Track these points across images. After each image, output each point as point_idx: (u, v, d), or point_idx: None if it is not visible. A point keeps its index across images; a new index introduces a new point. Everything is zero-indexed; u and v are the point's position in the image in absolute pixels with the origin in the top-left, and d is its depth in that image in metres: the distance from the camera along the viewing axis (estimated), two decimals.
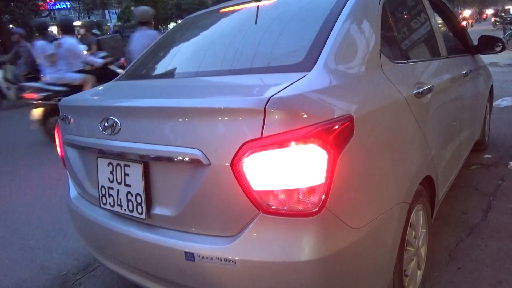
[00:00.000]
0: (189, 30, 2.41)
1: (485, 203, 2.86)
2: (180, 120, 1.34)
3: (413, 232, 1.78)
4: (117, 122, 1.48)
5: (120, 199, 1.56)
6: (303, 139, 1.19)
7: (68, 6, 39.49)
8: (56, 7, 39.38)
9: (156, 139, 1.40)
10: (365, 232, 1.35)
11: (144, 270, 1.56)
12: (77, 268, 2.53)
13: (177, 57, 2.14)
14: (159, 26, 24.95)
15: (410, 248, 1.76)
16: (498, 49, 3.05)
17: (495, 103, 5.29)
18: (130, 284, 2.28)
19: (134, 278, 1.66)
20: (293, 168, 1.20)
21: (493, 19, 28.97)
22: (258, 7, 2.06)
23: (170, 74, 2.00)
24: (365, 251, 1.38)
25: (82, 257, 2.64)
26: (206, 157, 1.27)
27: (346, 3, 1.70)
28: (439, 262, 2.20)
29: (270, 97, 1.20)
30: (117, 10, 40.47)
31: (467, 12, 39.20)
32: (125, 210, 1.55)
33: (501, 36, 13.48)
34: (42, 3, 25.19)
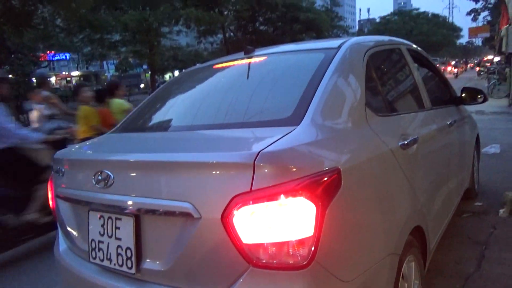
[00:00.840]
0: (184, 84, 2.51)
1: (478, 252, 2.85)
2: (172, 173, 1.37)
3: (406, 284, 1.77)
4: (110, 175, 1.51)
5: (110, 253, 1.55)
6: (292, 192, 1.22)
7: (68, 57, 40.58)
8: (56, 58, 40.47)
9: (148, 192, 1.42)
10: (356, 285, 1.35)
11: None
12: None
13: (171, 111, 2.22)
14: (156, 76, 25.63)
15: None
16: (480, 100, 3.18)
17: (483, 150, 5.40)
18: None
19: None
20: (282, 221, 1.22)
21: (477, 68, 30.24)
22: (249, 63, 2.17)
23: (164, 127, 2.05)
24: None
25: None
26: (197, 210, 1.29)
27: (332, 60, 1.81)
28: None
29: (260, 151, 1.25)
30: (115, 61, 41.63)
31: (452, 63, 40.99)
32: (114, 264, 1.53)
33: (486, 85, 14.02)
34: (42, 54, 25.95)
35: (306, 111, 1.53)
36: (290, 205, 1.22)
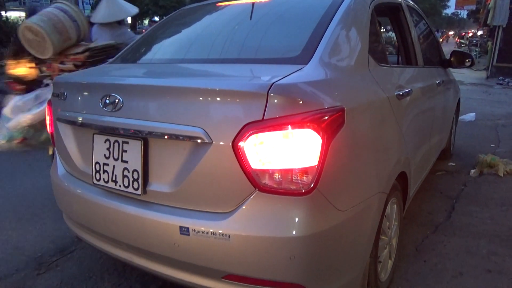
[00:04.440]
0: (186, 19, 2.47)
1: (449, 205, 3.07)
2: (185, 99, 1.41)
3: (387, 223, 1.92)
4: (119, 99, 1.53)
5: (116, 175, 1.60)
6: (301, 123, 1.29)
7: None
8: None
9: (158, 117, 1.46)
10: (349, 215, 1.47)
11: (135, 246, 1.60)
12: (54, 250, 2.51)
13: (176, 44, 2.20)
14: (136, 21, 24.52)
15: (384, 237, 1.90)
16: (468, 64, 3.29)
17: (460, 118, 5.64)
18: (108, 267, 2.30)
19: (123, 254, 1.70)
20: (290, 150, 1.30)
21: (457, 40, 30.51)
22: (256, 3, 2.16)
23: (171, 59, 2.04)
24: (348, 233, 1.50)
25: (58, 240, 2.62)
26: (208, 135, 1.34)
27: (340, 6, 1.83)
28: (407, 255, 2.36)
29: (273, 83, 1.29)
30: (91, 1, 39.39)
31: None
32: (119, 186, 1.59)
33: None
34: None
35: (315, 51, 1.58)
36: (298, 136, 1.29)
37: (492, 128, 5.78)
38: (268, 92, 1.28)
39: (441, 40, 35.18)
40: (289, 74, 1.39)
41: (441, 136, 3.30)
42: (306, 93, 1.37)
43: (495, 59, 11.89)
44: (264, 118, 1.29)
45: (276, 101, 1.28)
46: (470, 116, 6.38)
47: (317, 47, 1.60)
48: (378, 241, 1.77)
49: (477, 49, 15.80)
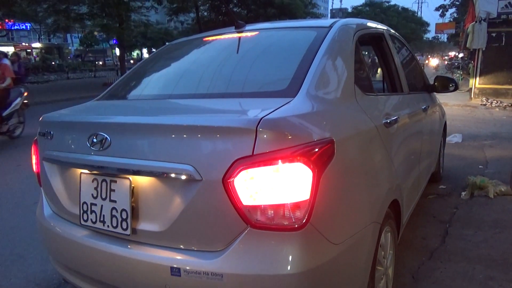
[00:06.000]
0: (173, 54, 2.49)
1: (442, 229, 3.06)
2: (173, 137, 1.40)
3: (382, 252, 1.90)
4: (107, 137, 1.51)
5: (104, 215, 1.56)
6: (291, 158, 1.28)
7: (28, 27, 38.41)
8: (15, 27, 38.25)
9: (147, 155, 1.44)
10: (344, 248, 1.44)
11: None
12: None
13: (163, 80, 2.21)
14: (125, 54, 24.79)
15: (380, 268, 1.87)
16: (452, 88, 3.36)
17: (447, 139, 5.71)
18: None
19: None
20: (280, 185, 1.29)
21: (445, 62, 31.40)
22: (242, 38, 2.19)
23: (158, 95, 2.04)
24: (344, 266, 1.47)
25: (44, 283, 2.53)
26: (198, 172, 1.33)
27: (324, 38, 1.87)
28: (404, 283, 2.32)
29: (262, 118, 1.29)
30: (80, 35, 39.80)
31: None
32: (108, 226, 1.55)
33: None
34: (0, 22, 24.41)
35: (302, 84, 1.59)
36: (288, 170, 1.28)
37: (479, 148, 5.85)
38: (257, 127, 1.27)
39: (426, 62, 36.30)
40: (277, 108, 1.40)
41: (430, 159, 3.33)
42: (295, 127, 1.37)
43: (477, 81, 12.21)
44: (254, 153, 1.28)
45: (265, 136, 1.28)
46: (456, 137, 6.47)
47: (304, 80, 1.62)
48: (374, 272, 1.73)
49: (459, 72, 16.24)
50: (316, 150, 1.34)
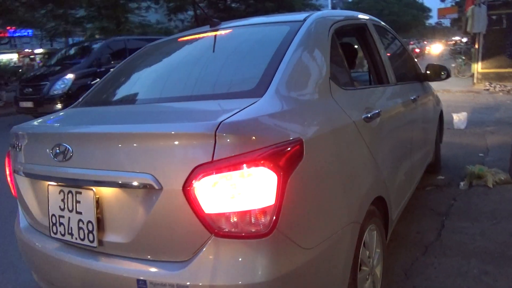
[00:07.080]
0: (149, 57, 2.44)
1: (439, 222, 2.98)
2: (132, 145, 1.35)
3: (367, 252, 1.83)
4: (68, 148, 1.47)
5: (71, 228, 1.52)
6: (253, 162, 1.22)
7: (30, 33, 38.59)
8: (17, 34, 38.46)
9: (107, 165, 1.39)
10: (317, 252, 1.38)
11: None
12: None
13: (136, 84, 2.16)
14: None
15: (365, 268, 1.80)
16: (443, 76, 3.27)
17: (448, 126, 5.60)
18: None
19: None
20: (244, 191, 1.23)
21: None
22: (215, 36, 2.13)
23: (127, 100, 2.00)
24: (319, 270, 1.41)
25: None
26: (158, 181, 1.27)
27: (297, 33, 1.80)
28: (396, 281, 2.25)
29: (221, 122, 1.23)
30: (81, 38, 39.91)
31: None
32: (76, 238, 1.51)
33: (453, 65, 14.43)
34: (1, 30, 24.56)
35: (270, 83, 1.53)
36: (251, 175, 1.23)
37: (480, 135, 5.73)
38: (215, 132, 1.22)
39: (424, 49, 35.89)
40: (240, 110, 1.34)
41: (424, 150, 3.24)
42: (258, 129, 1.31)
43: (479, 66, 12.00)
44: (214, 159, 1.22)
45: (225, 140, 1.22)
46: (461, 123, 6.27)
47: (273, 78, 1.55)
48: (356, 273, 1.67)
49: (462, 57, 15.94)
50: (282, 152, 1.28)
